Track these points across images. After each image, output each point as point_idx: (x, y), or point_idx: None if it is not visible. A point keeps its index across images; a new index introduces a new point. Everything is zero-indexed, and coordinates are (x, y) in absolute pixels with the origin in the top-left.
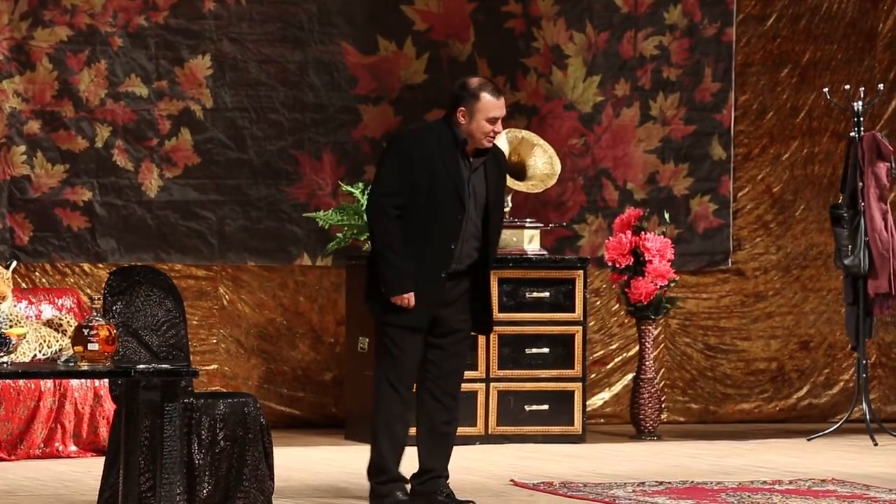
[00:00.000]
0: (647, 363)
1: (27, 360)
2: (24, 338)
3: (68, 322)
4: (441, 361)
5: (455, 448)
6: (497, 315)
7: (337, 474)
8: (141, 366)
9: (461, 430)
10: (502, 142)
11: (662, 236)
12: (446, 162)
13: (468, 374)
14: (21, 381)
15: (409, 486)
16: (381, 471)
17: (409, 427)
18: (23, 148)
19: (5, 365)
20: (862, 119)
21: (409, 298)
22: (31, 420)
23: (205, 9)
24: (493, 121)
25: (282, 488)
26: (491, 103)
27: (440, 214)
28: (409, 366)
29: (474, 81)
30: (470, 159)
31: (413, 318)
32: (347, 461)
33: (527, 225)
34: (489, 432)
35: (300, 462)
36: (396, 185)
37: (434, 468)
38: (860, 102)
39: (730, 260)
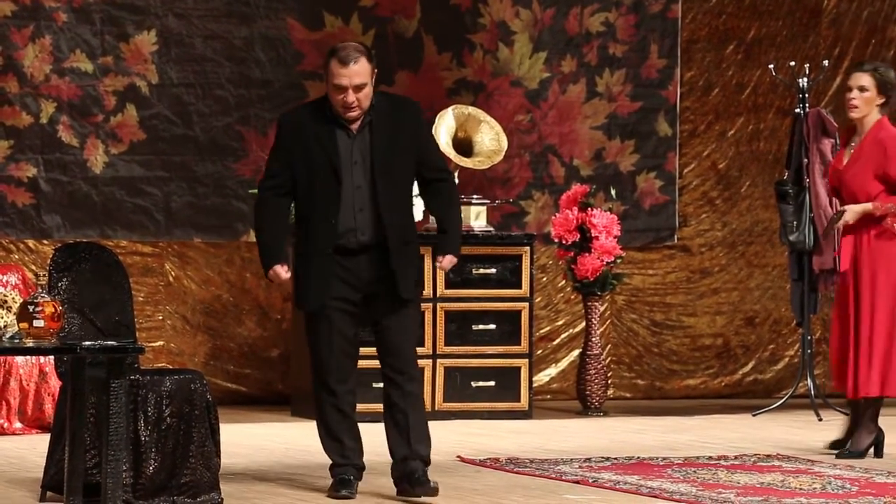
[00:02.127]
0: (593, 339)
1: None
2: None
3: (13, 298)
4: (384, 340)
5: None
6: (443, 291)
7: (283, 451)
8: (86, 343)
9: None
10: (449, 118)
11: (609, 213)
12: (319, 134)
13: None
14: None
15: (356, 471)
16: (330, 461)
17: (345, 411)
18: None
19: None
20: (807, 95)
21: (279, 271)
22: None
23: None
24: (338, 89)
25: (228, 465)
26: (335, 70)
27: (319, 190)
28: (327, 351)
29: (337, 45)
30: (350, 126)
31: (310, 302)
32: (293, 438)
33: (473, 201)
34: (436, 408)
35: (246, 438)
36: (272, 169)
37: (403, 455)
38: (805, 79)
39: (676, 236)
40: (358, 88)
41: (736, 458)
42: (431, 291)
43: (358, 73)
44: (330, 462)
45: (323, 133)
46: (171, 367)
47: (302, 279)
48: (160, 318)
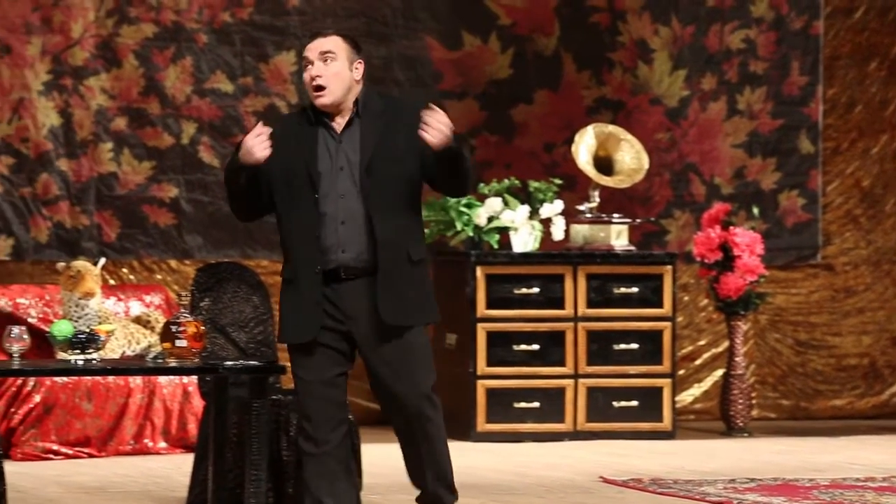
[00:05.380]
0: (737, 359)
1: (116, 356)
2: (113, 334)
3: (156, 318)
4: (384, 388)
5: (543, 444)
6: (585, 311)
7: None
8: (229, 362)
9: (550, 427)
10: (589, 137)
11: (752, 231)
12: (299, 137)
13: (557, 370)
14: (110, 378)
15: None
16: None
17: (328, 465)
18: (109, 145)
19: (95, 361)
20: None
21: (258, 130)
22: (120, 416)
23: (289, 5)
24: (305, 68)
25: (370, 485)
26: (307, 46)
27: (298, 201)
28: (312, 399)
29: None
30: (333, 126)
31: (298, 333)
32: None
33: (614, 220)
34: (577, 429)
35: (388, 459)
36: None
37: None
38: None
39: (819, 255)
40: (323, 57)
41: (884, 479)
42: (573, 310)
43: (324, 43)
44: None
45: (303, 134)
46: None
47: (282, 308)
48: None
